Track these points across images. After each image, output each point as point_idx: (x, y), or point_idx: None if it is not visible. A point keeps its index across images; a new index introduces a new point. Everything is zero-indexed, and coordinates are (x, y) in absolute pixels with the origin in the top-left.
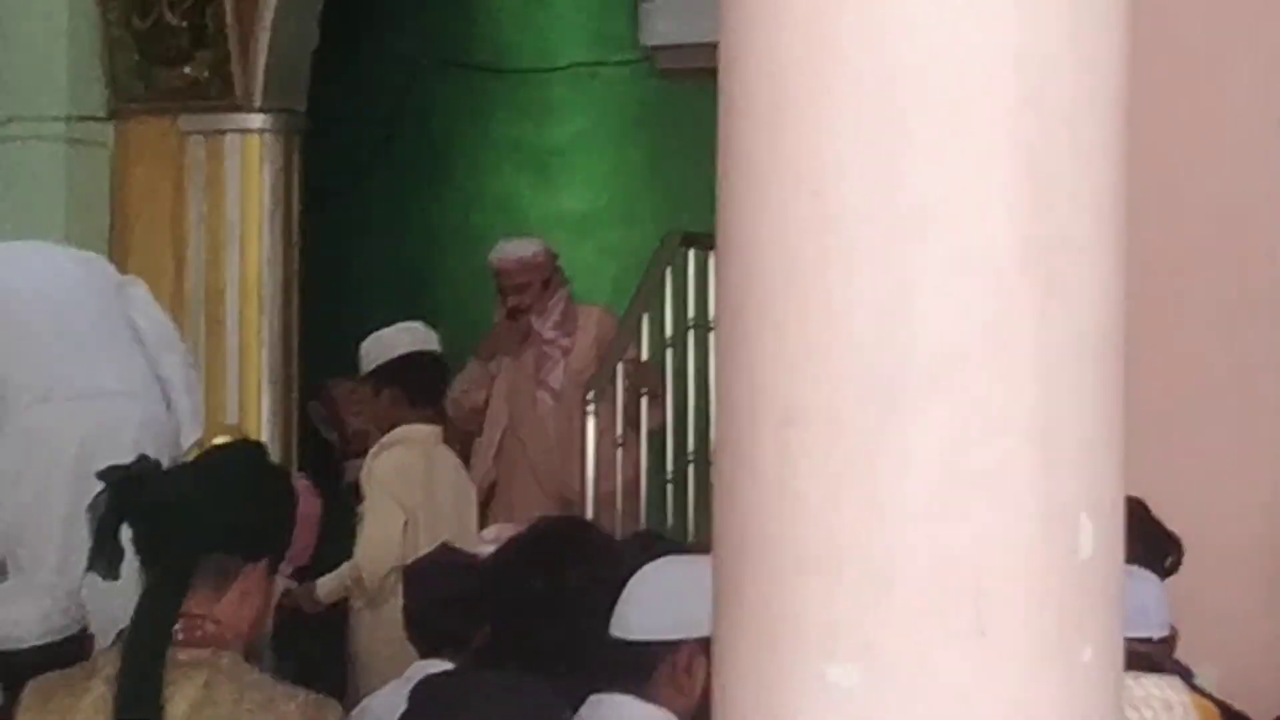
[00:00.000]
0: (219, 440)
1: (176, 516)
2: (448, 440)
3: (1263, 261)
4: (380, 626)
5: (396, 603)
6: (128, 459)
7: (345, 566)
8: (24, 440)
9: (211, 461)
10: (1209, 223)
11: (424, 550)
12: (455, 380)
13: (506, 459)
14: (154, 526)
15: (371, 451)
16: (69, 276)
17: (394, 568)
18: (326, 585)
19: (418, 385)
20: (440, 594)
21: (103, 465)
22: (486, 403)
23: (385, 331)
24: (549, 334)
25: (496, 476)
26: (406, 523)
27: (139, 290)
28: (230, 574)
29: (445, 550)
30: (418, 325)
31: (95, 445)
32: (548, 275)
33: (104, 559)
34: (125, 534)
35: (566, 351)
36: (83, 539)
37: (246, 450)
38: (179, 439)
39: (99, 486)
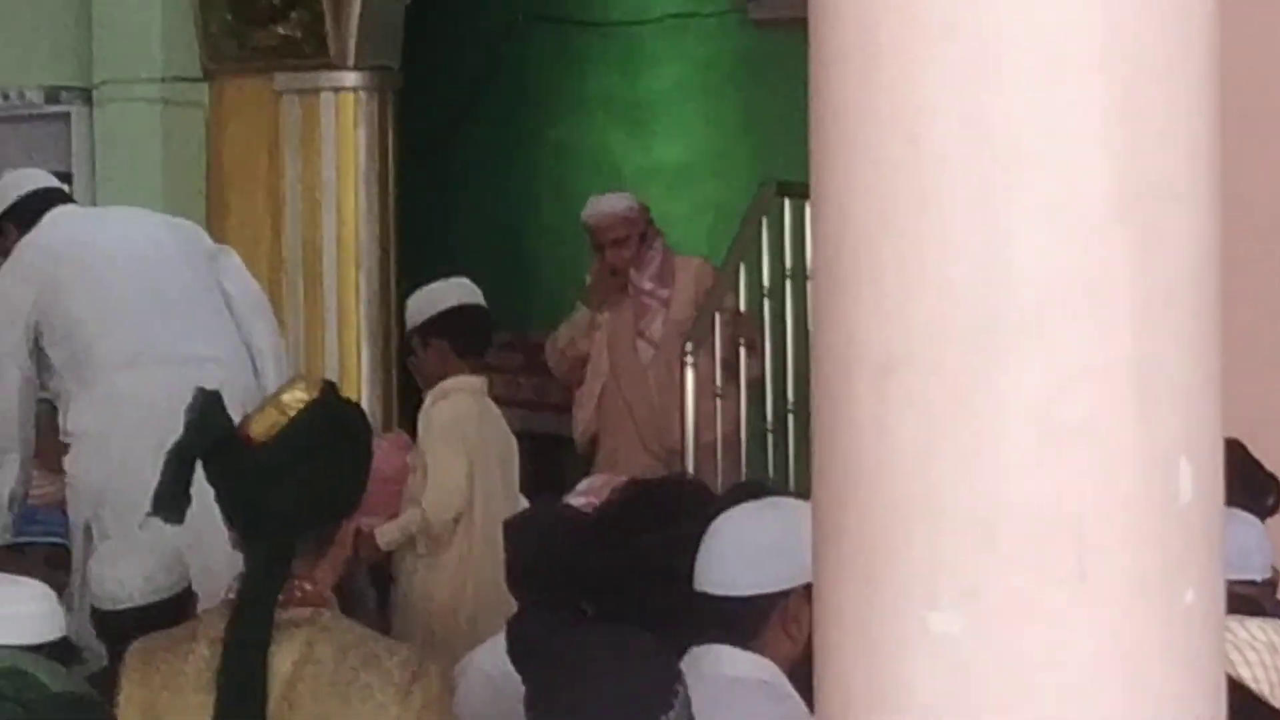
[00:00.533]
0: (297, 392)
1: (277, 492)
2: (491, 392)
3: None
4: (439, 572)
5: (455, 551)
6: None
7: (408, 514)
8: (112, 403)
9: (301, 430)
10: None
11: (477, 499)
12: (560, 329)
13: (608, 410)
14: (252, 501)
15: (428, 401)
16: (162, 242)
17: (459, 513)
18: (389, 533)
19: (465, 337)
20: (548, 547)
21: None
22: (586, 354)
23: (432, 286)
24: (647, 285)
25: (599, 428)
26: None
27: (232, 259)
28: (329, 540)
29: (552, 503)
30: (464, 280)
31: (183, 410)
32: (642, 229)
33: (173, 505)
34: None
35: (665, 303)
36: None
37: (330, 410)
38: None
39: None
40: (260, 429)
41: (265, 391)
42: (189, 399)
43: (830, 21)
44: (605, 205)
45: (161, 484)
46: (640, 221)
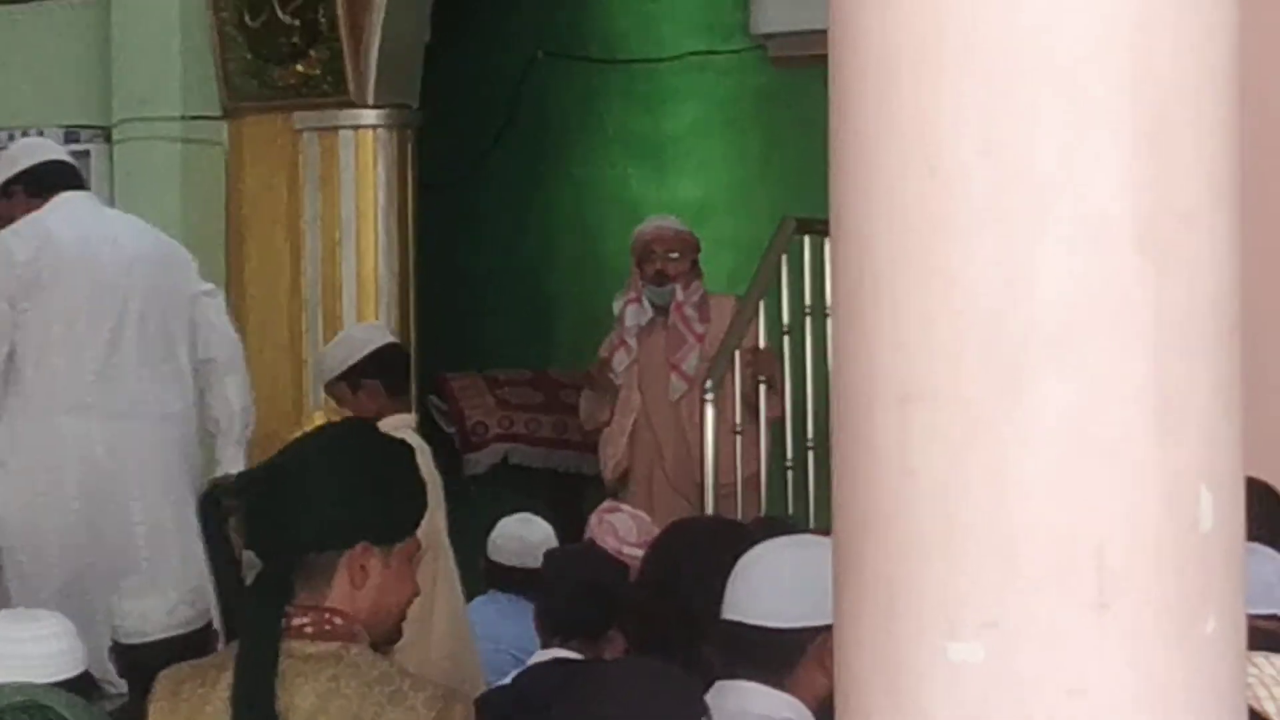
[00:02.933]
0: (317, 421)
1: (274, 513)
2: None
3: None
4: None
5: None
6: (159, 479)
7: None
8: (49, 443)
9: (305, 452)
10: None
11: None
12: (581, 406)
13: (639, 446)
14: (255, 524)
15: None
16: (149, 271)
17: None
18: None
19: (394, 376)
20: (582, 583)
21: (132, 484)
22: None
23: (348, 332)
24: (689, 312)
25: (631, 463)
26: None
27: (214, 301)
28: (331, 564)
29: (586, 542)
30: (377, 323)
31: (124, 460)
32: (694, 255)
33: (221, 556)
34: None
35: (700, 338)
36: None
37: (342, 433)
38: (216, 466)
39: (122, 499)
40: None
41: (226, 448)
42: (135, 451)
43: (849, 52)
44: (663, 221)
45: (206, 544)
46: (694, 246)
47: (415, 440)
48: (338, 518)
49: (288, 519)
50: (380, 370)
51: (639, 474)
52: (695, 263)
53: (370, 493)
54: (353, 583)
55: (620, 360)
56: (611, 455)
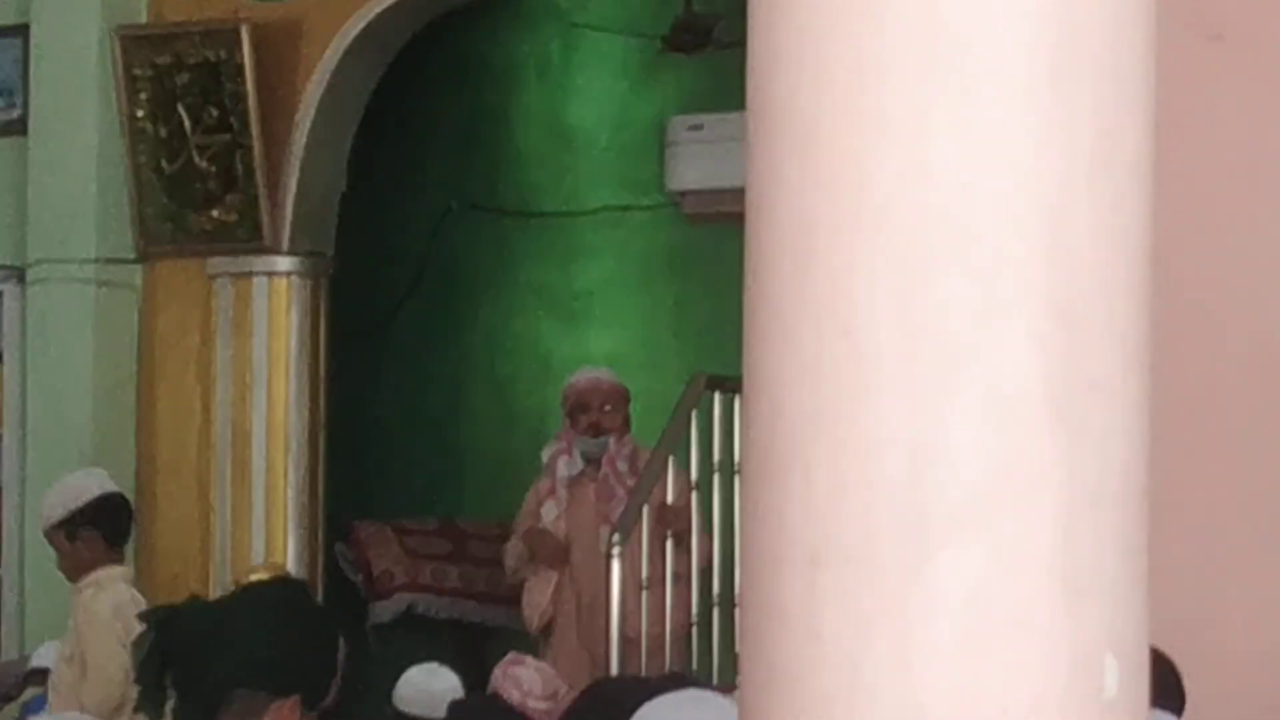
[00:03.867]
0: (254, 576)
1: (203, 650)
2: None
3: None
4: None
5: None
6: None
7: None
8: None
9: (243, 597)
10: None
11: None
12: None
13: (563, 598)
14: (182, 660)
15: (86, 594)
16: None
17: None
18: None
19: (113, 526)
20: None
21: None
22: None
23: (70, 478)
24: (621, 466)
25: (554, 615)
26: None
27: None
28: (258, 710)
29: (490, 694)
30: (99, 469)
31: None
32: (627, 410)
33: (150, 700)
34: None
35: (630, 492)
36: None
37: (280, 587)
38: None
39: None
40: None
41: None
42: None
43: (766, 214)
44: (597, 373)
45: (138, 686)
46: (627, 399)
47: (130, 594)
48: (272, 667)
49: (227, 655)
50: (100, 520)
51: (560, 625)
52: (627, 416)
53: (301, 647)
54: None
55: (549, 510)
56: (537, 605)
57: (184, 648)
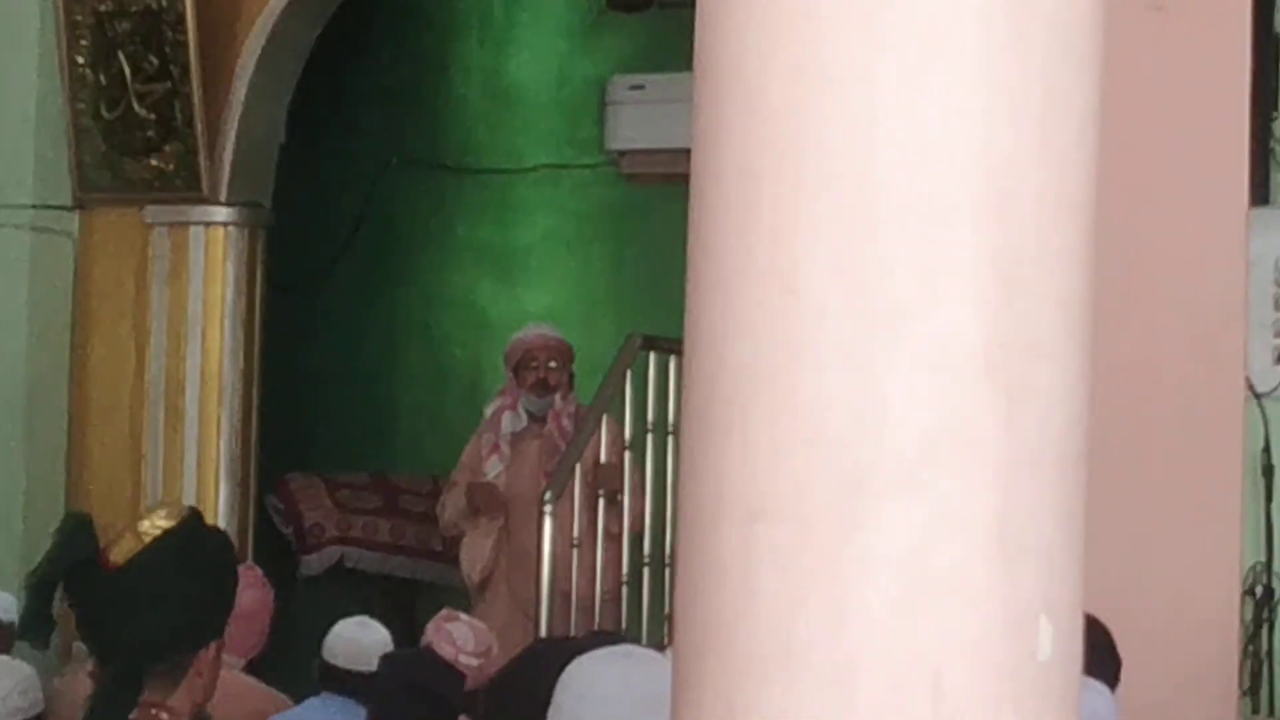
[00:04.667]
0: (157, 519)
1: (121, 621)
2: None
3: (1229, 362)
4: None
5: None
6: None
7: None
8: None
9: (157, 556)
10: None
11: None
12: (446, 506)
13: (501, 554)
14: (106, 626)
15: None
16: None
17: None
18: None
19: None
20: (417, 689)
21: None
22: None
23: None
24: (565, 422)
25: (493, 570)
26: None
27: None
28: (184, 668)
29: (423, 648)
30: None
31: None
32: (572, 367)
33: (38, 629)
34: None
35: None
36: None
37: (188, 534)
38: None
39: None
40: (118, 555)
41: None
42: None
43: (711, 172)
44: (542, 329)
45: (25, 609)
46: (571, 356)
47: None
48: (197, 620)
49: (143, 623)
50: None
51: (494, 581)
52: (572, 374)
53: (217, 592)
54: (200, 676)
55: (494, 466)
56: (478, 559)
57: (100, 615)
